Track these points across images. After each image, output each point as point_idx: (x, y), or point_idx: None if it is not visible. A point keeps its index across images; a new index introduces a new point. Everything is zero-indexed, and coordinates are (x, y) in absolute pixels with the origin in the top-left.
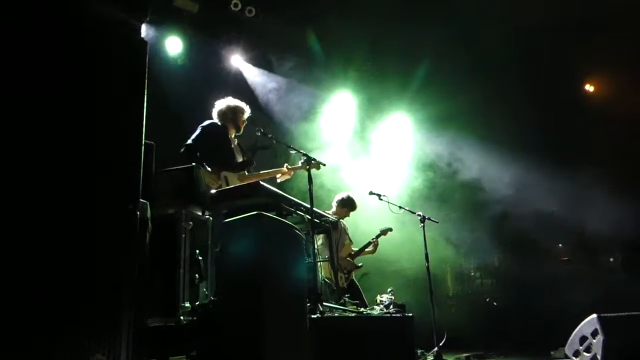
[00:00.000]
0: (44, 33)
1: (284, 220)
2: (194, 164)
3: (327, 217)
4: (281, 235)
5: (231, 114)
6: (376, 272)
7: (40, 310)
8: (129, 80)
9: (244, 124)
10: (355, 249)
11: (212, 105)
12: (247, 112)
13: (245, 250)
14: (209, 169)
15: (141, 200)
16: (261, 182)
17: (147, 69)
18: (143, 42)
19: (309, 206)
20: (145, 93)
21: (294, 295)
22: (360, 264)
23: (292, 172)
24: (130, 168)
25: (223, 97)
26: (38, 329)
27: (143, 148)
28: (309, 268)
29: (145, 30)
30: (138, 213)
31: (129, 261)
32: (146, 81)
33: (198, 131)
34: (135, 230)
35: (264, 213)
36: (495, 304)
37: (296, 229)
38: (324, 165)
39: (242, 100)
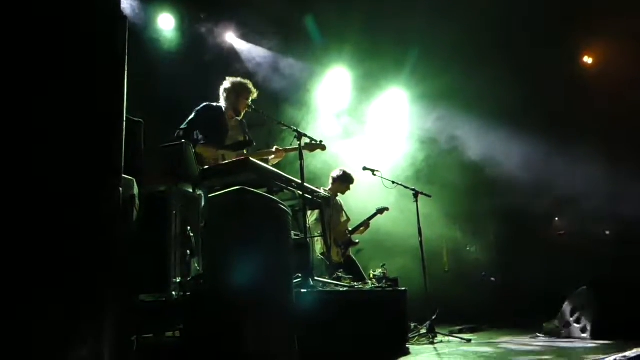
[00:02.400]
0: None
1: (268, 195)
2: (183, 141)
3: (319, 192)
4: (264, 210)
5: (233, 93)
6: (372, 248)
7: (20, 289)
8: (107, 55)
9: (246, 108)
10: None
11: (208, 85)
12: (253, 95)
13: (227, 225)
14: (207, 149)
15: (126, 176)
16: (250, 159)
17: (126, 44)
18: (123, 17)
19: (300, 182)
20: (126, 68)
21: (278, 270)
22: (356, 241)
23: (284, 154)
24: (110, 143)
25: (218, 75)
26: (19, 308)
27: (124, 124)
28: (301, 243)
29: (135, 7)
30: (120, 189)
31: (110, 237)
32: (126, 56)
33: (193, 114)
34: (116, 206)
35: (246, 188)
36: (492, 279)
37: (282, 204)
38: (323, 146)
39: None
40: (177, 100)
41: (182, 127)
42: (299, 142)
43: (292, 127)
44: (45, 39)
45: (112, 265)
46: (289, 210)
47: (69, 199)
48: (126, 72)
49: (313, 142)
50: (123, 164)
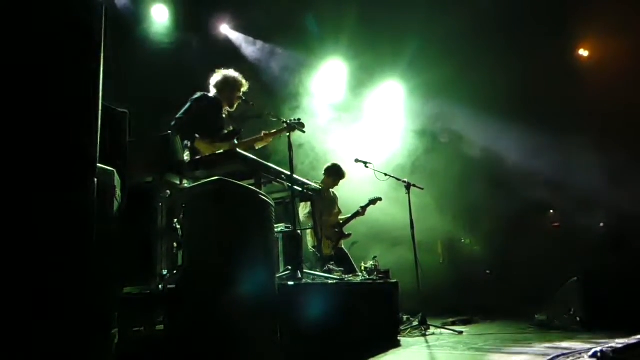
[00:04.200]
0: None
1: (248, 186)
2: (169, 132)
3: (309, 184)
4: (243, 200)
5: (227, 87)
6: (367, 241)
7: None
8: (80, 41)
9: (239, 101)
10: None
11: (201, 76)
12: (245, 87)
13: (206, 217)
14: (203, 141)
15: (105, 167)
16: (238, 150)
17: (104, 31)
18: (99, 4)
19: (289, 174)
20: (102, 56)
21: (259, 263)
22: (349, 233)
23: (270, 138)
24: (82, 133)
25: (213, 67)
26: None
27: (100, 113)
28: (291, 236)
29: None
30: (95, 179)
31: (83, 228)
32: (102, 43)
33: (188, 104)
34: (90, 197)
35: (225, 179)
36: (488, 272)
37: (264, 195)
38: (303, 129)
39: (230, 68)
40: (173, 91)
41: (178, 116)
42: (288, 131)
43: (282, 118)
44: (10, 22)
45: (87, 258)
46: (271, 202)
47: (34, 190)
48: (102, 60)
49: (291, 121)
50: (103, 155)
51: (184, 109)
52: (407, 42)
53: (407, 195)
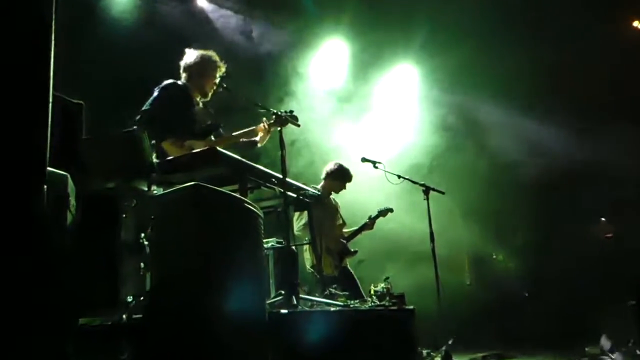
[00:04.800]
0: None
1: (231, 193)
2: (135, 127)
3: (306, 190)
4: (226, 211)
5: (198, 71)
6: (375, 258)
7: None
8: (26, 21)
9: (214, 88)
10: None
11: (173, 60)
12: (222, 70)
13: (179, 231)
14: (170, 139)
15: (56, 170)
16: (218, 149)
17: (55, 8)
18: None
19: (281, 177)
20: (52, 38)
21: (245, 287)
22: (355, 249)
23: (271, 130)
24: (28, 129)
25: (186, 47)
26: None
27: (51, 105)
28: (285, 253)
29: None
30: (45, 186)
31: (30, 249)
32: (53, 23)
33: (155, 94)
34: (39, 208)
35: (203, 184)
36: (525, 294)
37: (251, 204)
38: (297, 123)
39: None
40: (139, 78)
41: (144, 108)
42: (279, 125)
43: (272, 109)
44: None
45: (34, 285)
46: (259, 211)
47: None
48: (53, 42)
49: (282, 113)
50: (53, 156)
51: (151, 99)
52: (422, 16)
53: (426, 201)
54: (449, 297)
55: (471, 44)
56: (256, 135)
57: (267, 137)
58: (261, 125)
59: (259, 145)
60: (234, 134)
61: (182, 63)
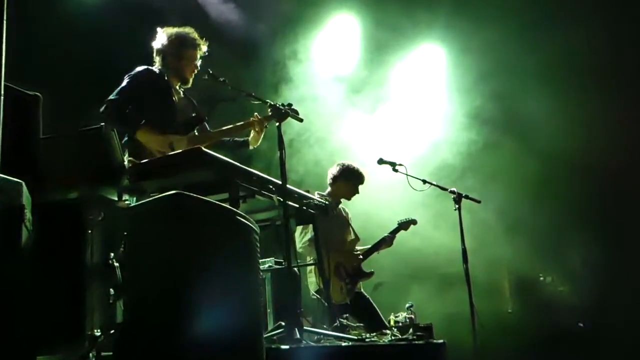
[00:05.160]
0: None
1: (221, 204)
2: (102, 124)
3: (311, 199)
4: (214, 226)
5: (174, 52)
6: (397, 281)
7: None
8: None
9: (194, 72)
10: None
11: (147, 43)
12: (202, 50)
13: (157, 249)
14: (150, 134)
15: (7, 177)
16: (204, 149)
17: None
18: None
19: (280, 183)
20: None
21: (237, 317)
22: (370, 270)
23: (266, 124)
24: None
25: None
26: None
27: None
28: (283, 276)
29: None
30: None
31: None
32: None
33: (124, 82)
34: None
35: (186, 193)
36: (580, 324)
37: (245, 217)
38: (299, 116)
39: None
40: (108, 65)
41: (110, 98)
42: (270, 107)
43: (268, 100)
44: None
45: None
46: (254, 225)
47: None
48: (3, 23)
49: (280, 105)
50: (4, 159)
51: (118, 88)
52: None
53: (457, 211)
54: (486, 328)
55: (512, 17)
56: (248, 131)
57: (262, 135)
58: (253, 119)
59: (251, 145)
60: (221, 129)
61: (155, 45)
